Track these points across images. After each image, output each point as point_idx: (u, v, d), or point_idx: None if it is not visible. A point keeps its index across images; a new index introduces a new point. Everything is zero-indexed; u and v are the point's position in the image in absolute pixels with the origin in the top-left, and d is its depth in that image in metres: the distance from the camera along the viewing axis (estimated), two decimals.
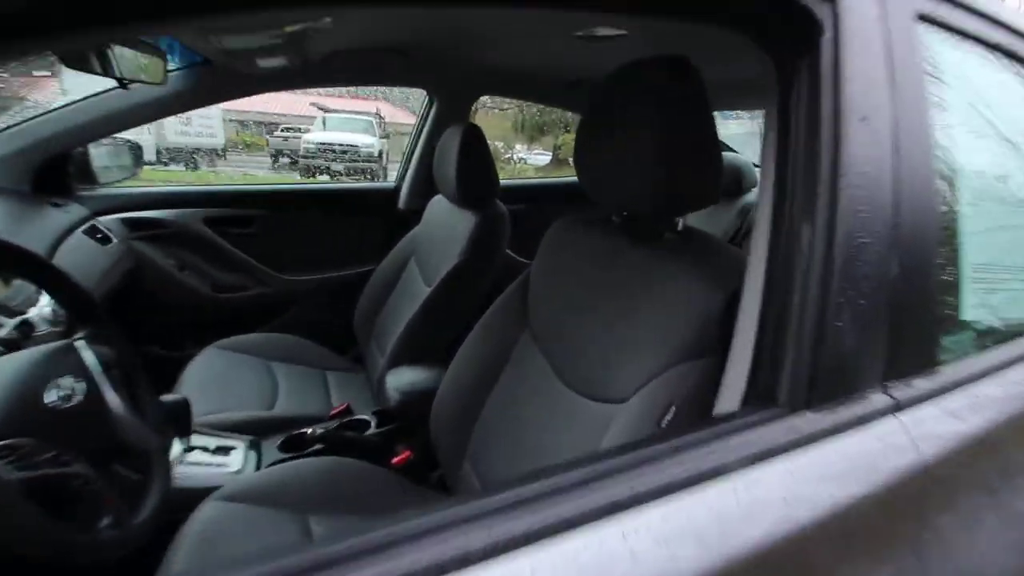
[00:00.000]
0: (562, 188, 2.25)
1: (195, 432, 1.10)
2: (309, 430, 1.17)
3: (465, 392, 0.99)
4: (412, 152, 1.87)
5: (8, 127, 1.26)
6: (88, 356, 0.65)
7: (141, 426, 0.68)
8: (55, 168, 1.37)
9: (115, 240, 1.43)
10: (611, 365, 0.75)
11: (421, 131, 1.84)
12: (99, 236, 1.39)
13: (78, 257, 1.26)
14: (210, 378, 1.35)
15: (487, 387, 0.97)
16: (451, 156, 1.34)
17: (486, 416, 0.97)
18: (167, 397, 0.97)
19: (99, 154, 1.50)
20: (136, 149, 1.65)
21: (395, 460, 1.10)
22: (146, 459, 0.69)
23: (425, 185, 1.82)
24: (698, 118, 0.70)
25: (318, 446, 1.08)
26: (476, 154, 1.34)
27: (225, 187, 1.66)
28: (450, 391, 1.03)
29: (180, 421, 1.00)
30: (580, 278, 0.87)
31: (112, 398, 0.64)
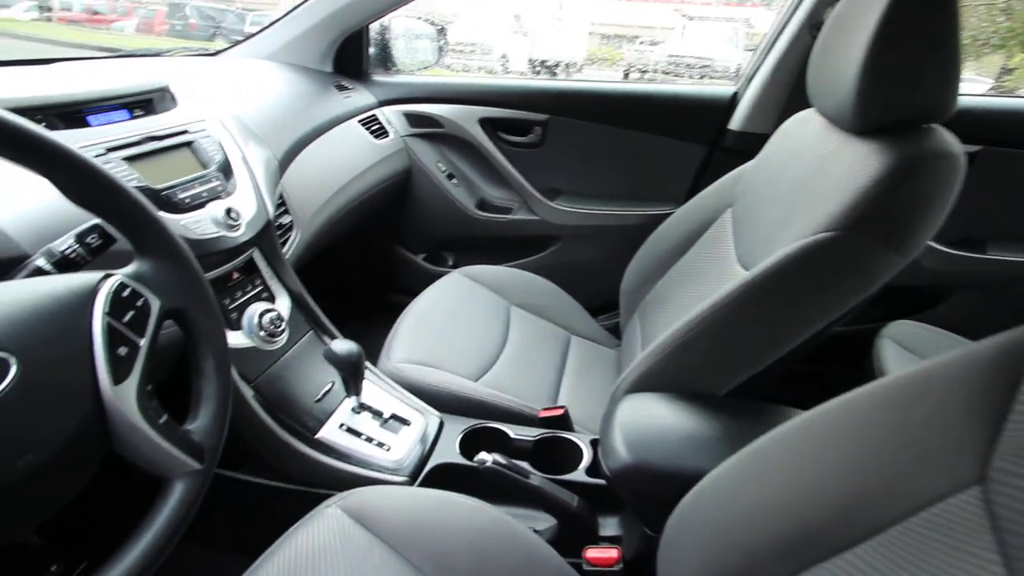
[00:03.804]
0: None
1: (381, 381, 0.89)
2: (510, 433, 0.83)
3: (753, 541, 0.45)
4: (774, 40, 1.16)
5: (302, 2, 1.18)
6: (100, 305, 0.40)
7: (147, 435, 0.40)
8: (353, 48, 1.28)
9: (391, 135, 1.30)
10: None
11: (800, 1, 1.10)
12: (376, 128, 1.27)
13: (340, 147, 1.15)
14: (442, 310, 1.13)
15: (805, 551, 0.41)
16: (861, 30, 0.66)
17: None
18: (339, 344, 0.75)
19: (401, 35, 1.37)
20: (443, 35, 1.48)
21: (591, 554, 0.66)
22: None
23: (784, 95, 1.12)
24: None
25: (488, 461, 0.70)
26: (921, 24, 0.63)
27: (507, 82, 1.34)
28: (715, 510, 0.50)
29: (350, 376, 0.77)
30: None
31: (105, 377, 0.38)
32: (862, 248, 0.64)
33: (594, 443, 0.81)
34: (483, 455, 0.70)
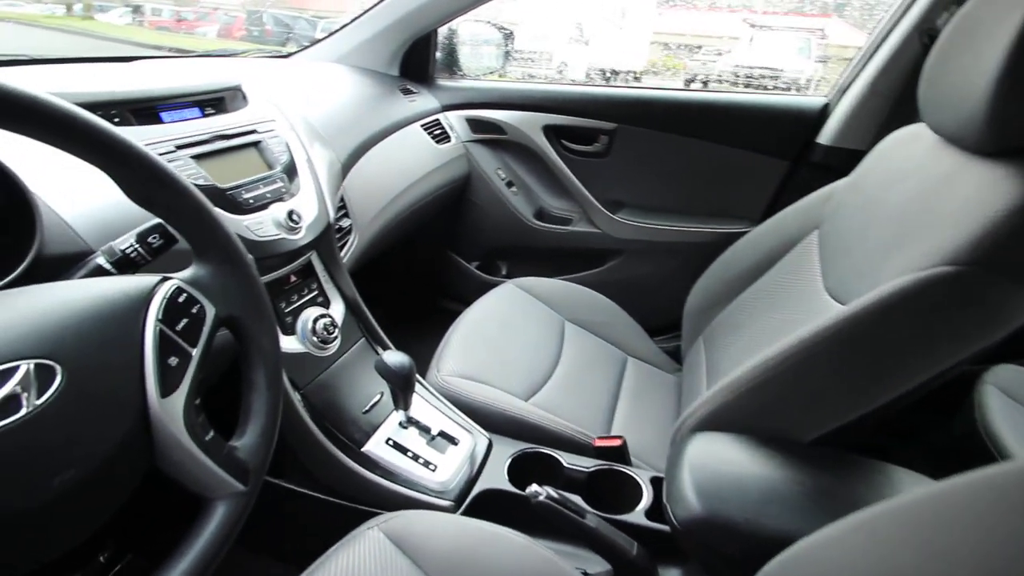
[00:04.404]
0: None
1: (430, 395, 0.85)
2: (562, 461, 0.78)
3: None
4: (876, 48, 1.05)
5: (373, 6, 1.18)
6: (154, 312, 0.37)
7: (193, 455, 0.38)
8: (421, 52, 1.27)
9: (453, 140, 1.28)
10: None
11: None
12: (438, 133, 1.25)
13: (402, 152, 1.13)
14: (494, 322, 1.09)
15: None
16: (997, 36, 0.57)
17: None
18: (391, 356, 0.72)
19: (468, 40, 1.35)
20: (509, 40, 1.45)
21: None
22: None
23: (885, 108, 1.02)
24: None
25: (541, 495, 0.65)
26: None
27: (575, 89, 1.29)
28: None
29: (400, 390, 0.74)
30: None
31: (153, 389, 0.36)
32: (992, 286, 0.55)
33: (655, 482, 0.75)
34: (535, 487, 0.65)
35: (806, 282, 0.82)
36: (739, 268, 0.97)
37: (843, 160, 0.91)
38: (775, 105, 1.17)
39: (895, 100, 0.99)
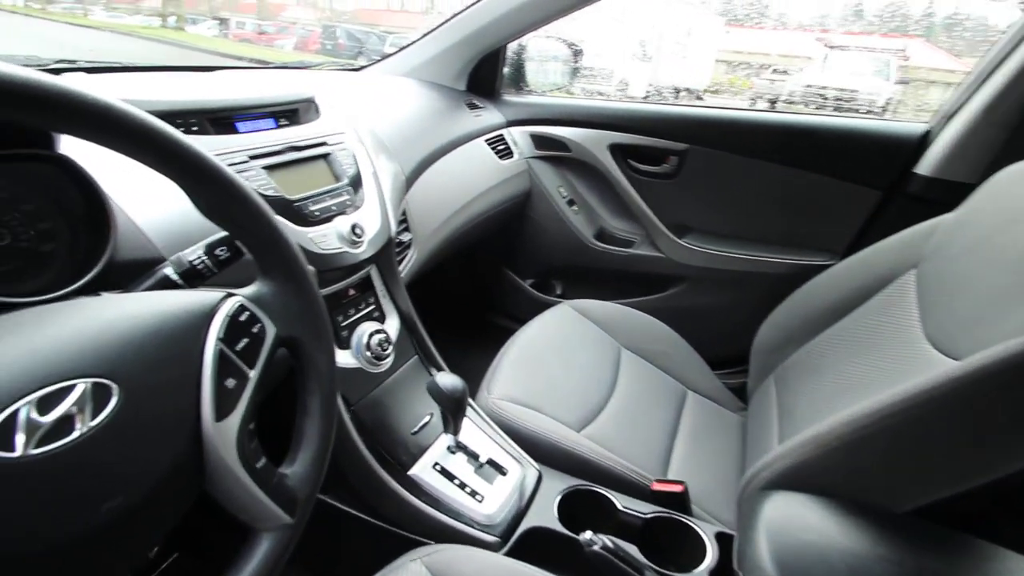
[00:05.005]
0: None
1: (479, 420, 0.82)
2: (617, 504, 0.72)
3: None
4: (991, 72, 0.95)
5: (444, 21, 1.19)
6: (216, 330, 0.36)
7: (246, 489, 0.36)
8: (488, 68, 1.27)
9: (516, 156, 1.26)
10: None
11: None
12: (501, 148, 1.24)
13: (465, 166, 1.12)
14: (548, 345, 1.05)
15: None
16: None
17: None
18: (444, 379, 0.69)
19: (535, 56, 1.34)
20: (578, 56, 1.42)
21: None
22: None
23: (1000, 138, 0.92)
24: None
25: (596, 544, 0.61)
26: None
27: (644, 108, 1.25)
28: None
29: (451, 414, 0.71)
30: None
31: (208, 412, 0.34)
32: None
33: (721, 538, 0.68)
34: (589, 534, 0.60)
35: (901, 327, 0.74)
36: (820, 304, 0.89)
37: (946, 193, 0.82)
38: (867, 130, 1.08)
39: (1012, 130, 0.89)
